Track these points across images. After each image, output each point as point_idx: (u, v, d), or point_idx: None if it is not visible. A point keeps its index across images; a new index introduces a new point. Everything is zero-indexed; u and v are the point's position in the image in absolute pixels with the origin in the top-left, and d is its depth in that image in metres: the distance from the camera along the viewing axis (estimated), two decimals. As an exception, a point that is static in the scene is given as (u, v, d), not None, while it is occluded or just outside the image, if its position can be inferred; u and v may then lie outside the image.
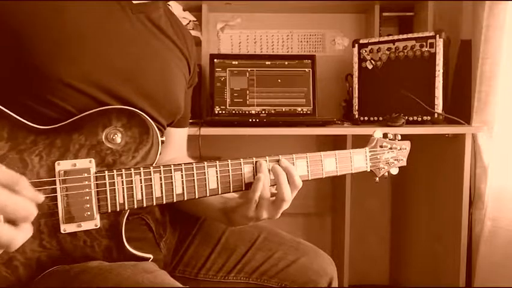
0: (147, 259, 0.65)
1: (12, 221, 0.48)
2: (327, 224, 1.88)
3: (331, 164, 0.77)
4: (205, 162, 0.67)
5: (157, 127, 0.67)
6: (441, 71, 1.39)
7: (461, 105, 1.49)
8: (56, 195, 0.58)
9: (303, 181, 0.72)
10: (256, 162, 0.70)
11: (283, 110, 1.57)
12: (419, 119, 1.41)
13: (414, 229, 1.70)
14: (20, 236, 0.48)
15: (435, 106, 1.39)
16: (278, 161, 0.71)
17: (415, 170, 1.65)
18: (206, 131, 1.27)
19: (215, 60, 1.57)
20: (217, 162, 0.68)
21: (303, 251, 0.84)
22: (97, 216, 0.60)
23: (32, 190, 0.48)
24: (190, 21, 1.63)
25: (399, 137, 0.88)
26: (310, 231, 1.88)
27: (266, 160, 0.71)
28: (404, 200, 1.79)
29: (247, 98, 1.57)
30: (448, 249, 1.42)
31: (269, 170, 0.70)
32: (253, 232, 0.85)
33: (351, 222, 1.54)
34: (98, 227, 0.61)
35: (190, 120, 1.28)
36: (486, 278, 1.42)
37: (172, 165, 0.65)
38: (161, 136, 0.67)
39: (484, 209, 1.42)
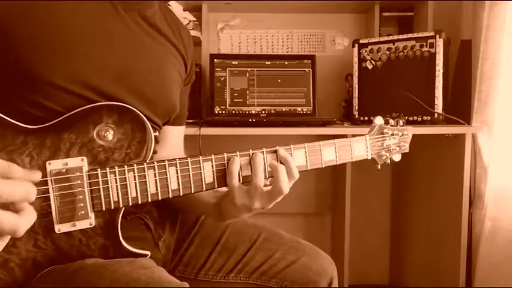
0: (144, 256, 0.65)
1: (14, 208, 0.47)
2: (327, 224, 1.88)
3: (330, 153, 0.75)
4: (200, 157, 0.66)
5: (152, 127, 0.66)
6: (441, 71, 1.39)
7: (461, 105, 1.49)
8: (49, 196, 0.58)
9: (302, 172, 0.71)
10: (252, 154, 0.68)
11: (283, 110, 1.57)
12: (419, 119, 1.41)
13: (414, 229, 1.70)
14: (24, 221, 0.47)
15: (435, 106, 1.39)
16: (276, 151, 0.70)
17: (415, 170, 1.65)
18: (206, 131, 1.27)
19: (215, 60, 1.57)
20: (213, 155, 0.67)
21: (303, 251, 0.84)
22: (92, 215, 0.60)
23: (25, 171, 0.48)
24: (190, 21, 1.63)
25: (401, 123, 0.85)
26: (310, 231, 1.88)
27: (263, 152, 0.69)
28: (404, 199, 1.79)
29: (247, 98, 1.57)
30: (447, 249, 1.41)
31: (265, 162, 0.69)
32: (253, 232, 0.85)
33: (351, 221, 1.53)
34: (93, 225, 0.60)
35: (190, 120, 1.29)
36: (486, 278, 1.42)
37: (167, 161, 0.64)
38: (154, 132, 0.66)
39: (484, 209, 1.42)
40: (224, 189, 0.71)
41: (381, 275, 1.92)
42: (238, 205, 0.68)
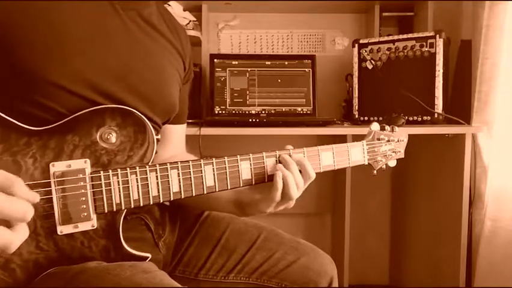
0: (145, 258, 0.65)
1: (8, 223, 0.47)
2: (327, 224, 1.88)
3: (328, 158, 0.77)
4: (202, 160, 0.67)
5: (152, 126, 0.67)
6: (441, 71, 1.39)
7: (461, 105, 1.48)
8: (52, 197, 0.58)
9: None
10: (279, 156, 0.73)
11: (283, 110, 1.57)
12: (419, 119, 1.41)
13: (414, 229, 1.70)
14: (17, 238, 0.47)
15: (435, 106, 1.39)
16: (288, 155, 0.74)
17: (415, 170, 1.65)
18: (206, 131, 1.27)
19: (215, 60, 1.57)
20: (214, 159, 0.67)
21: (303, 251, 0.84)
22: (94, 217, 0.60)
23: (27, 190, 0.48)
24: (190, 21, 1.63)
25: (397, 129, 0.88)
26: (310, 231, 1.88)
27: (263, 156, 0.71)
28: (404, 200, 1.79)
29: (247, 98, 1.57)
30: (447, 249, 1.42)
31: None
32: (253, 232, 0.85)
33: (351, 222, 1.54)
34: (95, 227, 0.60)
35: (190, 120, 1.28)
36: (486, 278, 1.42)
37: (168, 164, 0.64)
38: (157, 134, 0.67)
39: (484, 209, 1.42)
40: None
41: (381, 275, 1.92)
42: (266, 211, 0.73)
